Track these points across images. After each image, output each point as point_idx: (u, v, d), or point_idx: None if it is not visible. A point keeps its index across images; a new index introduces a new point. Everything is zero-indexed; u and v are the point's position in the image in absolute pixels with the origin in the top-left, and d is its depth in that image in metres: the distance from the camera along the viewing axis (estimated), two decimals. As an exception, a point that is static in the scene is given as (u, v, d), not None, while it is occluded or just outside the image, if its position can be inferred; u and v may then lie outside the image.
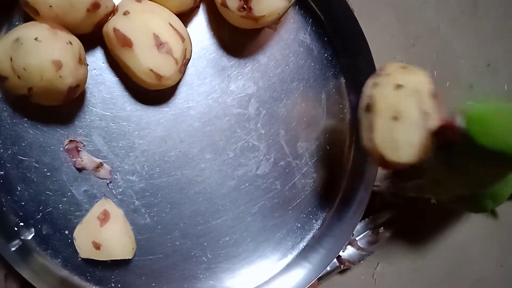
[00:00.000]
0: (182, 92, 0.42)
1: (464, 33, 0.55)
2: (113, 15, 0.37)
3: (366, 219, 0.48)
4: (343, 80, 0.46)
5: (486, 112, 0.30)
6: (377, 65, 0.48)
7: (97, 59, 0.40)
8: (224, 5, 0.39)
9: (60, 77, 0.33)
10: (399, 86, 0.34)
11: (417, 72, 0.36)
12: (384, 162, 0.35)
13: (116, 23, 0.36)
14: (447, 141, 0.32)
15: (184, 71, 0.41)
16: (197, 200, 0.42)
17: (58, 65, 0.32)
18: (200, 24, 0.43)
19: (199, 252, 0.43)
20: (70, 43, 0.34)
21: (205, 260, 0.43)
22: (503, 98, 0.56)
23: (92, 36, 0.38)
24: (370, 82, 0.37)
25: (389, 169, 0.43)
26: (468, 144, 0.30)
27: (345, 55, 0.46)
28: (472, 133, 0.30)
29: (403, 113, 0.34)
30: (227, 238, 0.43)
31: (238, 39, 0.43)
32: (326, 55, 0.46)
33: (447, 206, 0.44)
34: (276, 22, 0.44)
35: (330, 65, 0.46)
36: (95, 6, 0.34)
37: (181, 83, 0.42)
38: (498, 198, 0.40)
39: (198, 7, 0.42)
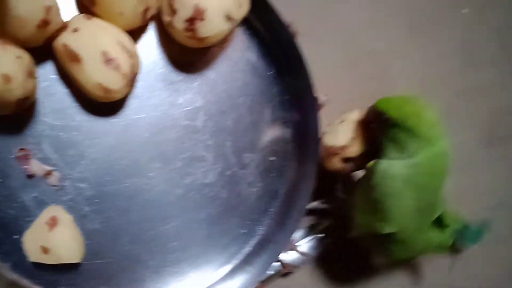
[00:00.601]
0: (132, 104, 0.44)
1: (403, 55, 0.59)
2: (64, 31, 0.39)
3: (308, 225, 0.52)
4: (286, 97, 0.50)
5: (392, 97, 0.44)
6: (319, 84, 0.52)
7: (48, 72, 0.42)
8: (171, 25, 0.42)
9: (9, 89, 0.35)
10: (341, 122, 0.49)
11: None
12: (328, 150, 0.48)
13: (65, 39, 0.38)
14: (369, 122, 0.45)
15: (133, 85, 0.44)
16: (146, 207, 0.45)
17: (7, 78, 0.35)
18: (150, 40, 0.45)
19: (147, 257, 0.45)
20: (20, 57, 0.36)
21: (154, 264, 0.45)
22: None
23: (43, 50, 0.40)
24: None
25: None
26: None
27: (288, 74, 0.49)
28: (381, 108, 0.43)
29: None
30: (174, 243, 0.46)
31: (187, 55, 0.46)
32: (270, 73, 0.49)
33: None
34: (223, 41, 0.47)
35: (275, 83, 0.49)
36: (45, 23, 0.37)
37: (131, 96, 0.44)
38: (407, 247, 0.44)
39: (147, 25, 0.45)
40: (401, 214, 0.42)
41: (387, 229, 0.43)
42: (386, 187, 0.41)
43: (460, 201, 0.59)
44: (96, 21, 0.40)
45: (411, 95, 0.45)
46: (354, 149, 0.47)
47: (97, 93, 0.40)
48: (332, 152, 0.47)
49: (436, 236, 0.46)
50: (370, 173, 0.43)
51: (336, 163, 0.48)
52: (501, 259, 0.56)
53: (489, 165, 0.62)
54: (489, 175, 0.62)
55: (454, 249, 0.51)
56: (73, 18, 0.40)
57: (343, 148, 0.47)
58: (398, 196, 0.41)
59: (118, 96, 0.41)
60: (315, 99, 0.48)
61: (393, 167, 0.41)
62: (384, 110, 0.42)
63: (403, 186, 0.41)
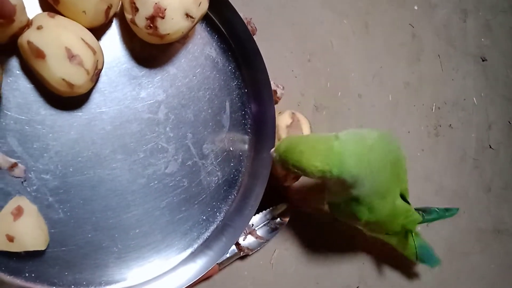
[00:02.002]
0: (95, 98, 0.46)
1: (354, 50, 0.63)
2: (28, 28, 0.40)
3: (264, 211, 0.55)
4: (245, 90, 0.52)
5: (280, 146, 0.45)
6: (276, 77, 0.55)
7: (12, 67, 0.43)
8: (133, 22, 0.43)
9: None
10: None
11: (283, 113, 0.54)
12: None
13: (30, 36, 0.39)
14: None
15: (97, 80, 0.45)
16: (109, 196, 0.47)
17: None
18: (113, 37, 0.47)
19: (110, 243, 0.47)
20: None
21: (116, 250, 0.47)
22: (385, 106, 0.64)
23: (8, 46, 0.41)
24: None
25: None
26: None
27: (246, 68, 0.52)
28: (280, 154, 0.45)
29: None
30: (137, 230, 0.48)
31: (149, 51, 0.48)
32: (230, 67, 0.52)
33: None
34: (184, 37, 0.49)
35: (234, 77, 0.52)
36: (9, 21, 0.38)
37: (94, 90, 0.46)
38: (372, 210, 0.48)
39: (111, 22, 0.46)
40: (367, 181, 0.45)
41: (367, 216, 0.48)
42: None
43: (408, 185, 0.64)
44: (59, 19, 0.41)
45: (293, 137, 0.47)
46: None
47: (61, 88, 0.41)
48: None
49: (402, 206, 0.50)
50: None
51: (278, 169, 0.52)
52: (443, 239, 0.62)
53: (434, 153, 0.67)
54: (434, 162, 0.67)
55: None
56: (36, 16, 0.41)
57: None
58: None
59: (82, 91, 0.43)
60: (272, 92, 0.51)
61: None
62: (281, 155, 0.45)
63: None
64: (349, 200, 0.47)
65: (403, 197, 0.50)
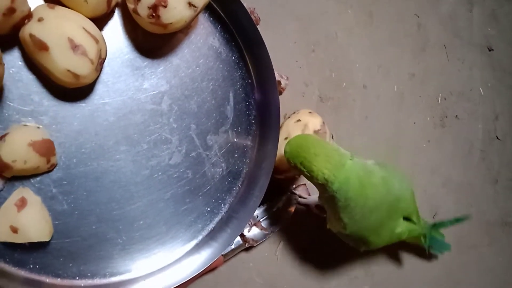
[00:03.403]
0: (98, 89, 0.46)
1: (359, 40, 0.62)
2: (29, 19, 0.40)
3: (269, 202, 0.55)
4: (249, 81, 0.52)
5: (295, 140, 0.46)
6: (280, 68, 0.54)
7: (15, 58, 0.42)
8: (136, 12, 0.43)
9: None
10: (298, 121, 0.53)
11: (316, 116, 0.53)
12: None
13: (31, 29, 0.39)
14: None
15: (101, 70, 0.45)
16: (113, 188, 0.46)
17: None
18: (115, 27, 0.46)
19: (114, 235, 0.47)
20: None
21: (120, 242, 0.47)
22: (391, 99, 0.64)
23: (10, 37, 0.41)
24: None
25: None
26: None
27: (250, 59, 0.51)
28: (292, 148, 0.45)
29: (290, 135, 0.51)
30: (141, 222, 0.48)
31: (152, 42, 0.47)
32: (233, 58, 0.51)
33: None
34: (187, 27, 0.48)
35: (237, 67, 0.52)
36: (11, 11, 0.37)
37: (97, 81, 0.45)
38: (368, 243, 0.50)
39: (113, 12, 0.46)
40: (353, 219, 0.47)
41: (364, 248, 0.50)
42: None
43: (414, 177, 0.64)
44: (59, 10, 0.40)
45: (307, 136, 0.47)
46: None
47: (67, 79, 0.41)
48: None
49: (405, 229, 0.51)
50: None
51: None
52: (450, 231, 0.61)
53: (441, 145, 0.66)
54: (440, 153, 0.66)
55: (429, 254, 0.59)
56: (36, 8, 0.41)
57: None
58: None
59: (87, 81, 0.42)
60: (276, 82, 0.51)
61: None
62: (288, 158, 0.46)
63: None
64: (344, 235, 0.49)
65: (408, 218, 0.51)
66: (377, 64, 0.63)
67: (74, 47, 0.40)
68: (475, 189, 0.67)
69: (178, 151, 0.49)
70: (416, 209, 0.52)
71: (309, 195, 0.56)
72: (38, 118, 0.43)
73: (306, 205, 0.56)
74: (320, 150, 0.44)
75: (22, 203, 0.42)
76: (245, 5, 0.48)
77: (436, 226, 0.54)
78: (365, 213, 0.46)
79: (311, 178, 0.44)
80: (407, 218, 0.51)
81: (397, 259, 0.60)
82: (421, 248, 0.57)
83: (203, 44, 0.50)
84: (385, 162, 0.48)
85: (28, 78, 0.43)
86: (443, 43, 0.68)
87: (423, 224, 0.53)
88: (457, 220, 0.55)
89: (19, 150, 0.41)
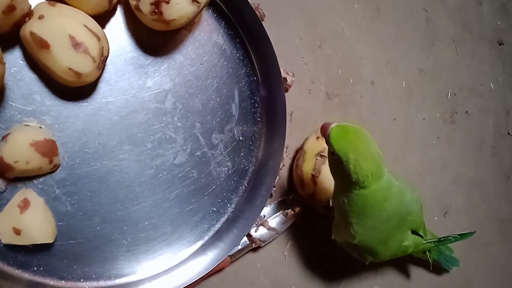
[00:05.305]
0: (101, 88, 0.45)
1: (366, 36, 0.61)
2: (29, 17, 0.39)
3: (276, 202, 0.54)
4: (254, 78, 0.51)
5: (341, 128, 0.42)
6: (286, 65, 0.53)
7: (16, 57, 0.42)
8: (138, 8, 0.42)
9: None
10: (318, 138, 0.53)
11: None
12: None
13: (32, 27, 0.38)
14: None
15: (103, 68, 0.44)
16: (117, 188, 0.46)
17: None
18: (118, 24, 0.46)
19: (119, 236, 0.46)
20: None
21: (125, 243, 0.46)
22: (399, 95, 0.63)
23: (11, 36, 0.40)
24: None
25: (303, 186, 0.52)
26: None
27: (255, 55, 0.50)
28: (330, 137, 0.42)
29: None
30: (146, 223, 0.47)
31: (155, 39, 0.47)
32: (238, 55, 0.50)
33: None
34: (190, 24, 0.47)
35: (242, 64, 0.51)
36: (11, 8, 0.37)
37: (100, 80, 0.45)
38: (375, 255, 0.48)
39: (115, 9, 0.45)
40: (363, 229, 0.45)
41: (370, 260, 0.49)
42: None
43: (424, 174, 0.63)
44: (60, 7, 0.40)
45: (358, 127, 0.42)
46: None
47: (68, 78, 0.40)
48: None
49: (411, 242, 0.49)
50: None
51: (310, 188, 0.51)
52: (461, 230, 0.60)
53: (450, 141, 0.65)
54: (450, 150, 0.65)
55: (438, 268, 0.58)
56: (37, 5, 0.40)
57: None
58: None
59: (89, 80, 0.42)
60: (282, 79, 0.50)
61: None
62: (333, 144, 0.42)
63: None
64: (350, 245, 0.48)
65: (415, 232, 0.50)
66: (385, 59, 0.62)
67: (76, 45, 0.39)
68: (486, 186, 0.66)
69: (183, 150, 0.48)
70: (423, 223, 0.51)
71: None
72: (40, 117, 0.43)
73: (312, 206, 0.55)
74: (365, 148, 0.41)
75: (25, 205, 0.41)
76: (249, 0, 0.48)
77: (441, 241, 0.53)
78: (377, 224, 0.45)
79: (347, 172, 0.41)
80: (414, 232, 0.50)
81: (408, 259, 0.59)
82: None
83: (207, 41, 0.49)
84: (395, 173, 0.46)
85: (29, 77, 0.42)
86: (452, 38, 0.67)
87: (430, 237, 0.52)
88: (463, 236, 0.54)
89: (21, 150, 0.40)
